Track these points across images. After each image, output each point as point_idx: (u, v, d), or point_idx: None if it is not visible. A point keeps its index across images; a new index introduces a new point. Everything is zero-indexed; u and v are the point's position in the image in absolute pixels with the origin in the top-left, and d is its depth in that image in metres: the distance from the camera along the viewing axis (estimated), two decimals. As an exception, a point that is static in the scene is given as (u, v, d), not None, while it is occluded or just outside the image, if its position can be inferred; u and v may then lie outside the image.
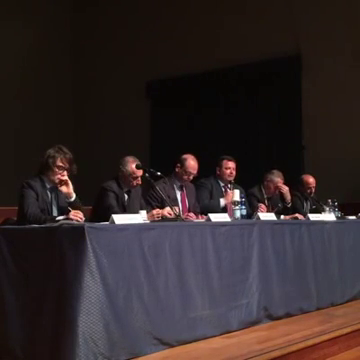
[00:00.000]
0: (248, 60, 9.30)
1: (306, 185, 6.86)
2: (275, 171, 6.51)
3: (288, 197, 6.40)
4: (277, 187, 6.40)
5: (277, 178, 6.42)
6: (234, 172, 6.05)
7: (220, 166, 6.06)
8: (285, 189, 6.40)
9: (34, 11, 10.92)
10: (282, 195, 6.46)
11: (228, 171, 6.03)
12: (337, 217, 5.81)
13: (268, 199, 6.46)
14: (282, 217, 5.81)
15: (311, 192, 6.86)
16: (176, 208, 4.76)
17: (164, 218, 4.73)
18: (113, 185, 5.09)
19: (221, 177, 6.07)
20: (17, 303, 3.49)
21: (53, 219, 4.00)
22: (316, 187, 6.92)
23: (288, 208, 6.38)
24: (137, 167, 5.02)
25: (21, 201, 4.20)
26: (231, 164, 6.06)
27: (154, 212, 4.83)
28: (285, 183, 6.49)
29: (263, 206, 5.98)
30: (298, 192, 6.86)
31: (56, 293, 3.30)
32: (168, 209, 4.90)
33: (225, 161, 6.06)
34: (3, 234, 3.65)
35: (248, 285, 4.31)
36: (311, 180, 6.90)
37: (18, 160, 9.93)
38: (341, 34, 8.74)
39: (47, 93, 10.89)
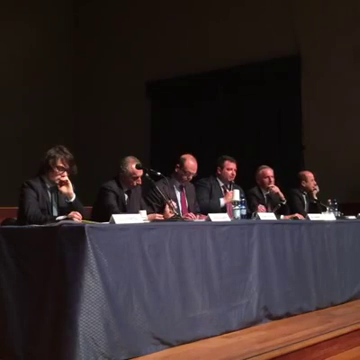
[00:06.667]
0: (248, 60, 9.31)
1: (310, 180, 6.83)
2: (260, 167, 6.50)
3: (281, 194, 6.36)
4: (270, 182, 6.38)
5: (265, 169, 6.42)
6: (235, 173, 6.06)
7: (222, 167, 6.04)
8: (277, 189, 6.37)
9: (35, 11, 10.94)
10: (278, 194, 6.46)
11: (230, 172, 6.03)
12: (337, 217, 5.82)
13: (268, 198, 6.45)
14: (282, 217, 5.81)
15: (315, 186, 6.83)
16: (173, 203, 4.78)
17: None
18: (113, 185, 5.09)
19: (222, 177, 6.06)
20: (17, 303, 3.49)
21: (53, 219, 4.01)
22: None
23: (284, 205, 6.34)
24: (137, 167, 5.03)
25: (21, 201, 4.21)
26: (233, 165, 6.05)
27: (157, 216, 4.79)
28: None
29: (262, 207, 5.97)
30: (298, 190, 6.84)
31: (56, 293, 3.30)
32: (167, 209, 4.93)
33: (227, 162, 6.05)
34: (3, 234, 3.65)
35: (248, 285, 4.31)
36: (311, 174, 6.90)
37: (18, 160, 9.93)
38: (341, 34, 8.75)
39: (47, 93, 10.89)
